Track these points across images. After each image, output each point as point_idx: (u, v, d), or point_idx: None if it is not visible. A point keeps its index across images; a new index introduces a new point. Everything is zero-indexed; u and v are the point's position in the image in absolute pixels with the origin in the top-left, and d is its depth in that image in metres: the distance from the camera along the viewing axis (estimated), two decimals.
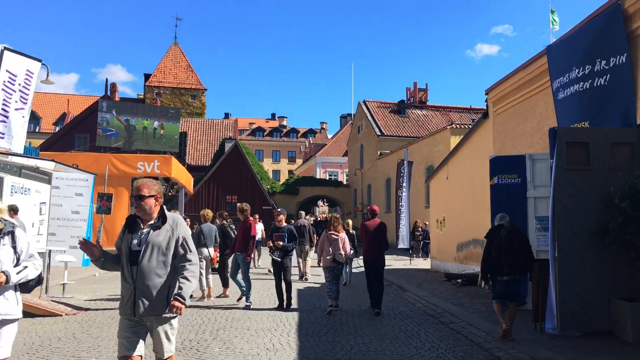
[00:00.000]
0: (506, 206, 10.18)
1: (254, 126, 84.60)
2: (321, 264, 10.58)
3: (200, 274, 11.06)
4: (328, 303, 9.98)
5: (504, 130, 12.93)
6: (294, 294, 12.19)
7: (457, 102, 46.99)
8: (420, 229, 24.62)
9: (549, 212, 8.15)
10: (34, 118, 65.77)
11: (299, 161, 78.61)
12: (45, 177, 13.86)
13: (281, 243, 10.08)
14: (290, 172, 73.91)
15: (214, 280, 12.67)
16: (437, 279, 15.49)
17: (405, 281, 15.16)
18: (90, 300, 10.92)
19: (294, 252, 16.58)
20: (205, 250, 11.09)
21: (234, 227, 12.10)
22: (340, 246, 10.07)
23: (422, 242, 24.63)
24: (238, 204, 10.88)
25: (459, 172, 16.16)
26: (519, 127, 12.15)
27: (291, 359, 6.43)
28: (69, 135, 46.51)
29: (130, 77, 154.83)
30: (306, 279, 15.31)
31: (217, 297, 11.53)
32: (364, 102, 43.75)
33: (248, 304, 10.30)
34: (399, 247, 21.69)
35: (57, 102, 69.34)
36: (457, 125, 28.16)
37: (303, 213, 18.70)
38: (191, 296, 11.50)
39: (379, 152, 38.69)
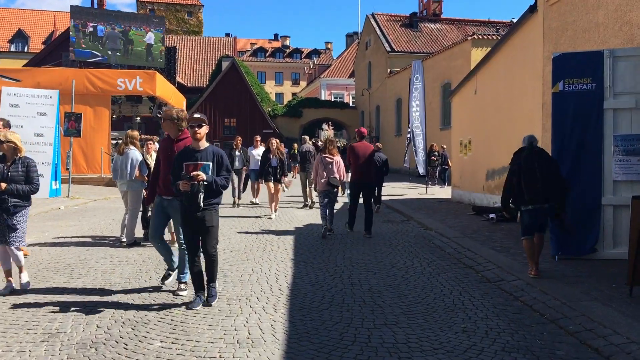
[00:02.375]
0: (574, 121, 7.57)
1: (256, 47, 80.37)
2: (317, 189, 10.37)
3: None
4: (323, 224, 9.97)
5: (560, 25, 10.01)
6: (288, 239, 9.75)
7: (474, 17, 42.76)
8: (436, 153, 21.97)
9: None
10: (22, 37, 62.02)
11: (303, 83, 75.06)
12: None
13: (203, 176, 5.09)
14: (294, 94, 70.39)
15: None
16: (462, 212, 13.02)
17: (425, 215, 12.70)
18: (34, 245, 8.46)
19: (299, 179, 14.53)
20: None
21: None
22: (335, 170, 9.98)
23: (439, 168, 22.07)
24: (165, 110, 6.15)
25: (491, 84, 13.32)
26: (584, 20, 9.24)
27: None
28: (55, 54, 43.14)
29: None
30: (311, 207, 14.48)
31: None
32: (372, 15, 39.98)
33: (179, 288, 5.86)
34: (402, 168, 19.30)
35: (47, 20, 65.11)
36: (480, 36, 24.88)
37: (307, 137, 16.39)
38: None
39: (388, 70, 35.49)
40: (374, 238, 9.64)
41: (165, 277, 6.11)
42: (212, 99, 38.12)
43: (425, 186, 19.80)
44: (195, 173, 5.09)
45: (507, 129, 12.19)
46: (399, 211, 13.86)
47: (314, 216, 12.62)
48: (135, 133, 8.71)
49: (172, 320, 4.87)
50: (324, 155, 10.08)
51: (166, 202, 5.83)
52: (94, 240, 9.10)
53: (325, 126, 51.43)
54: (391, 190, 20.22)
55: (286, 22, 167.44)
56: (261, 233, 10.00)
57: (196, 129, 5.30)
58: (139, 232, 9.13)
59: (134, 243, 8.56)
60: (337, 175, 9.93)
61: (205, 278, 5.45)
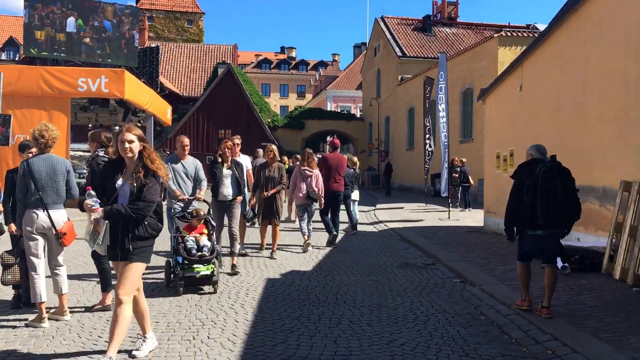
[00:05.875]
0: None
1: (260, 58, 77.34)
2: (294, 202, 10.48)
3: (32, 268, 4.99)
4: (304, 239, 9.75)
5: None
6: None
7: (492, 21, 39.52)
8: (458, 169, 18.35)
9: None
10: (14, 45, 59.23)
11: (309, 96, 71.77)
12: None
13: None
14: (298, 107, 67.18)
15: (78, 283, 6.87)
16: (509, 251, 9.36)
17: (457, 255, 9.08)
18: None
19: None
20: (40, 215, 4.94)
21: None
22: (314, 183, 9.69)
23: (460, 187, 18.41)
24: None
25: (547, 75, 9.75)
26: None
27: None
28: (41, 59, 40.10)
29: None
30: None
31: (90, 308, 5.54)
32: (382, 18, 36.64)
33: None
34: (416, 186, 15.88)
35: None
36: (509, 33, 21.34)
37: (260, 151, 13.47)
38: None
39: (399, 77, 32.03)
40: (387, 305, 6.01)
41: None
42: (205, 109, 34.70)
43: (447, 209, 16.16)
44: None
45: (576, 134, 8.61)
46: (420, 247, 10.24)
47: (302, 258, 9.04)
48: None
49: None
50: (303, 168, 9.69)
51: None
52: None
53: (329, 139, 47.93)
54: (405, 214, 16.62)
55: (292, 34, 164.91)
56: (206, 295, 6.34)
57: None
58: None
59: None
60: (315, 189, 9.62)
61: None
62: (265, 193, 8.97)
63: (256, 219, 9.82)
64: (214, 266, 6.40)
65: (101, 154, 5.47)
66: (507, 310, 5.77)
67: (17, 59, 57.93)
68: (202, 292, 6.27)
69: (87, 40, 20.82)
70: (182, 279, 6.26)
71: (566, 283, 6.86)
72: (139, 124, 25.12)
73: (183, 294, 6.19)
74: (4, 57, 58.07)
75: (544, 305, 5.34)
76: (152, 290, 6.53)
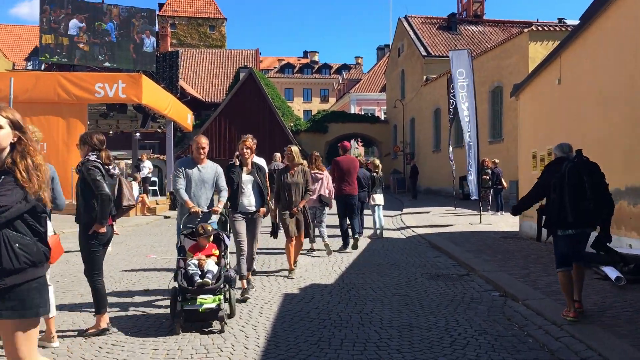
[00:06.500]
0: None
1: (283, 63, 77.01)
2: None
3: None
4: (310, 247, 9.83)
5: None
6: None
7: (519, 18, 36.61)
8: (489, 171, 17.44)
9: None
10: (39, 54, 60.03)
11: (332, 100, 71.17)
12: None
13: None
14: (322, 111, 66.54)
15: (68, 304, 6.31)
16: (549, 259, 8.54)
17: (494, 264, 8.28)
18: None
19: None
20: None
21: (115, 170, 5.13)
22: (325, 185, 9.54)
23: (492, 190, 17.49)
24: None
25: (590, 65, 8.90)
26: None
27: None
28: (65, 67, 40.22)
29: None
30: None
31: (83, 333, 4.93)
32: (406, 17, 35.80)
33: None
34: (444, 189, 15.05)
35: None
36: (540, 28, 20.37)
37: (278, 155, 12.70)
38: None
39: (424, 77, 31.16)
40: (419, 325, 5.28)
41: None
42: (227, 113, 34.26)
43: (477, 213, 15.30)
44: None
45: (626, 130, 7.76)
46: (451, 255, 9.46)
47: (324, 270, 8.35)
48: None
49: None
50: (313, 171, 9.27)
51: None
52: None
53: (353, 142, 47.24)
54: (433, 218, 15.81)
55: (315, 39, 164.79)
56: (201, 337, 5.65)
57: None
58: None
59: None
60: (326, 192, 9.51)
61: None
62: (295, 209, 7.70)
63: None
64: (222, 297, 5.17)
65: (92, 158, 4.86)
66: (559, 332, 4.99)
67: (42, 68, 58.63)
68: (210, 330, 5.14)
69: (82, 45, 20.58)
70: (180, 313, 5.03)
71: (622, 297, 6.03)
72: (159, 130, 24.76)
73: (183, 332, 5.02)
74: (29, 66, 58.63)
75: (575, 299, 5.31)
76: (156, 311, 5.91)
